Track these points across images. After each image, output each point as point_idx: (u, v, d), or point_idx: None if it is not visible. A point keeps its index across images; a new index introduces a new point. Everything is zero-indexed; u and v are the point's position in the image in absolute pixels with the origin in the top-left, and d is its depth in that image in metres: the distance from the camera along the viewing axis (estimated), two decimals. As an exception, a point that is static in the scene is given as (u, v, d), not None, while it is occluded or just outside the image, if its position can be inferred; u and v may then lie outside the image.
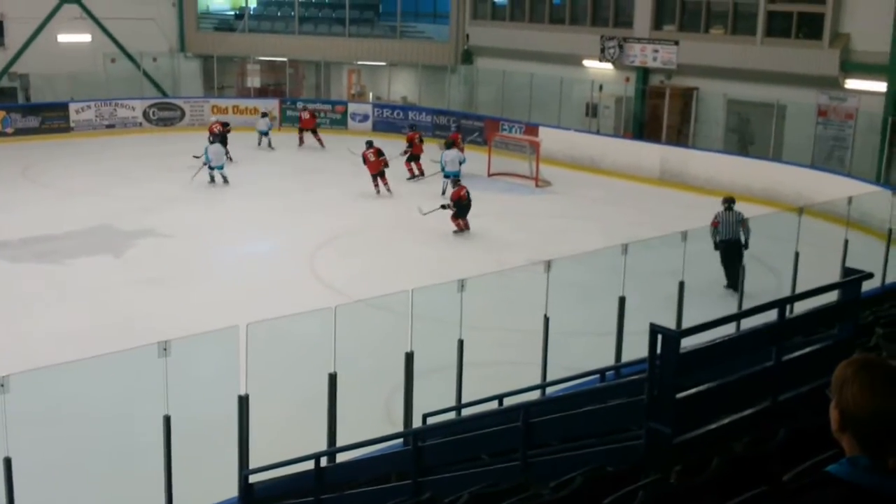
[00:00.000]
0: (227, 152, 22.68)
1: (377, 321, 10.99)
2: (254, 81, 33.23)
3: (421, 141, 23.50)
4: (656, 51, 24.70)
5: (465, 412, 8.28)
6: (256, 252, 17.12)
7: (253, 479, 7.07)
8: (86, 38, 30.15)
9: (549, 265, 9.51)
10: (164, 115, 29.33)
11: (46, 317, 12.94)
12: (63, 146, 26.35)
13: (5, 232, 16.97)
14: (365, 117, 29.81)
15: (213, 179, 21.68)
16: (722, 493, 3.90)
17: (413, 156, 23.04)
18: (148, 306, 13.49)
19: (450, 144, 20.94)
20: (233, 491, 7.30)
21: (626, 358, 9.90)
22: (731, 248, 14.22)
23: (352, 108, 30.25)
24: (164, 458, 7.09)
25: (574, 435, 6.18)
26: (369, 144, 21.59)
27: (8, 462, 6.50)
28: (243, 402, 7.42)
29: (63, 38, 29.71)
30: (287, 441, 8.73)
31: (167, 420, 7.06)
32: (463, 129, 26.48)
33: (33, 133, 26.96)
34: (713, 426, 5.15)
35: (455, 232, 17.87)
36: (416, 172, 22.88)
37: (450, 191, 19.46)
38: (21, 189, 21.01)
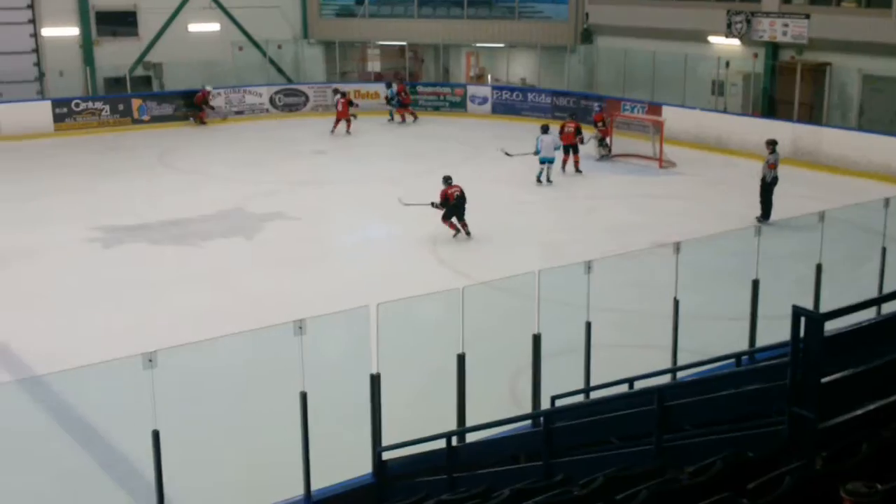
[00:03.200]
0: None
1: (502, 303, 11.03)
2: (374, 66, 33.72)
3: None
4: (786, 25, 23.82)
5: (594, 395, 8.25)
6: (380, 234, 17.45)
7: (386, 456, 7.23)
8: (215, 27, 31.18)
9: (678, 247, 9.33)
10: (290, 101, 30.05)
11: (184, 296, 13.50)
12: (195, 132, 27.36)
13: (146, 215, 17.77)
14: (484, 100, 29.82)
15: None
16: (871, 479, 3.78)
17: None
18: (279, 286, 13.93)
19: (545, 129, 20.54)
20: (367, 467, 7.49)
21: (758, 343, 9.64)
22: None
23: (471, 90, 30.30)
24: (301, 433, 7.31)
25: (709, 420, 6.08)
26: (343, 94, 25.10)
27: (156, 435, 6.82)
28: (375, 380, 7.58)
29: (193, 27, 30.81)
30: (417, 420, 8.89)
31: (304, 396, 7.28)
32: (585, 109, 26.18)
33: (168, 120, 28.04)
34: (859, 412, 4.99)
35: (454, 235, 16.46)
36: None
37: (545, 175, 19.47)
38: (158, 174, 21.93)
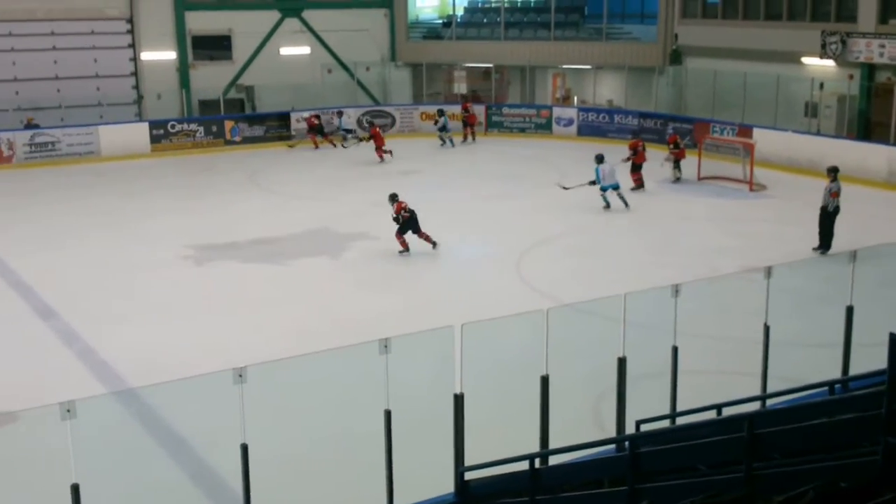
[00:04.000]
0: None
1: (585, 325, 10.94)
2: (461, 88, 33.99)
3: (644, 149, 22.20)
4: (883, 46, 23.16)
5: (680, 420, 8.12)
6: (465, 254, 17.52)
7: (468, 476, 7.23)
8: (305, 50, 31.93)
9: (769, 272, 9.13)
10: (377, 123, 30.47)
11: (272, 314, 13.77)
12: (285, 153, 27.95)
13: (236, 234, 18.21)
14: (570, 121, 29.74)
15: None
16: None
17: (635, 165, 21.98)
18: (362, 305, 14.10)
19: (601, 158, 19.97)
20: (449, 487, 7.50)
21: (852, 371, 9.36)
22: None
23: (556, 112, 30.26)
24: (385, 451, 7.36)
25: (801, 449, 5.94)
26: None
27: (245, 448, 6.95)
28: (458, 400, 7.60)
29: (285, 50, 31.62)
30: (498, 441, 8.88)
31: (388, 414, 7.34)
32: (677, 131, 25.90)
33: (259, 141, 28.76)
34: (960, 445, 4.81)
35: (403, 252, 16.71)
36: (640, 182, 21.93)
37: (617, 200, 19.48)
38: (249, 194, 22.46)
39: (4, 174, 25.07)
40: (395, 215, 16.79)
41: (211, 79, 30.27)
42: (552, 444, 7.91)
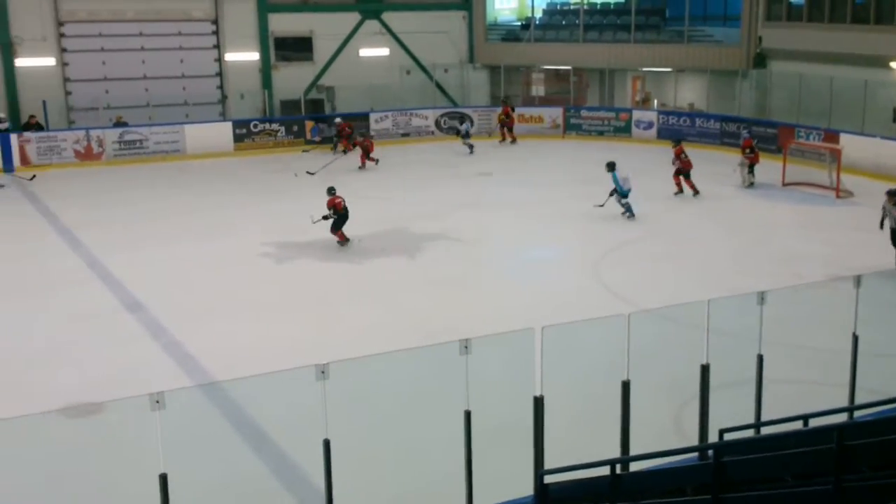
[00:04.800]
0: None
1: (667, 331, 10.82)
2: (538, 90, 33.90)
3: (686, 155, 21.50)
4: (977, 49, 22.40)
5: (765, 430, 7.97)
6: (543, 256, 17.49)
7: (548, 479, 7.20)
8: (384, 51, 32.23)
9: (858, 280, 8.90)
10: (454, 124, 30.58)
11: (350, 311, 13.94)
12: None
13: (314, 233, 18.43)
14: (649, 125, 29.41)
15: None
16: None
17: (682, 171, 21.32)
18: (439, 305, 14.18)
19: (613, 166, 19.40)
20: (527, 489, 7.48)
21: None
22: None
23: (636, 115, 29.96)
24: (465, 451, 7.40)
25: (890, 462, 5.78)
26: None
27: (327, 444, 7.05)
28: (538, 403, 7.58)
29: (364, 52, 31.96)
30: (578, 445, 8.84)
31: (467, 415, 7.37)
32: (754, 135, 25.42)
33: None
34: None
35: (343, 243, 17.46)
36: (694, 189, 21.32)
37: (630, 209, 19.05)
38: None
39: (95, 171, 25.86)
40: (329, 209, 17.37)
41: (292, 79, 30.77)
42: (632, 451, 7.85)
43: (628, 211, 19.26)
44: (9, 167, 25.62)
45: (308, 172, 23.81)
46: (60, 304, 14.34)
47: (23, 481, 8.01)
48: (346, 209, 17.51)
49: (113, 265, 16.33)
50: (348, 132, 27.76)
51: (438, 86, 32.70)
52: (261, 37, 30.70)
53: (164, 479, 6.53)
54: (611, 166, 19.35)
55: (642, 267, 16.33)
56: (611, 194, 19.28)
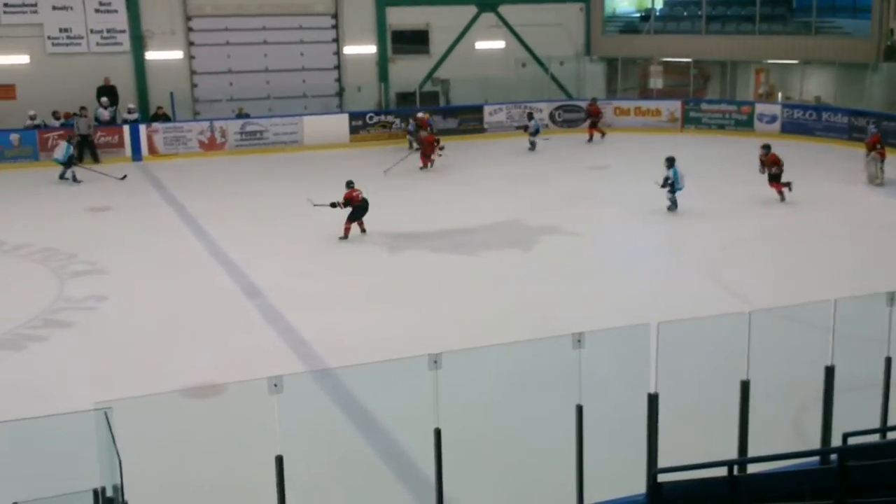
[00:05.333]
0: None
1: (788, 331, 10.45)
2: (656, 83, 33.26)
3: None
4: None
5: (892, 435, 7.61)
6: (655, 252, 17.19)
7: (661, 478, 7.05)
8: (500, 44, 32.19)
9: None
10: (569, 117, 30.33)
11: (463, 302, 13.98)
12: (477, 146, 28.28)
13: (427, 224, 18.59)
14: (773, 118, 28.49)
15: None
16: None
17: (774, 176, 19.98)
18: (552, 298, 14.07)
19: (671, 162, 18.91)
20: (639, 487, 7.34)
21: None
22: None
23: (759, 108, 29.06)
24: (576, 446, 7.32)
25: None
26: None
27: (438, 433, 7.08)
28: (653, 400, 7.44)
29: (480, 45, 31.97)
30: (692, 444, 8.63)
31: (579, 409, 7.28)
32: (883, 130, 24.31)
33: (451, 133, 29.18)
34: None
35: (341, 238, 17.47)
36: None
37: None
38: (440, 185, 22.87)
39: (218, 160, 26.71)
40: (344, 201, 17.50)
41: (408, 72, 31.04)
42: (750, 453, 7.61)
43: (674, 205, 19.05)
44: (137, 157, 26.70)
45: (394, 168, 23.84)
46: (184, 288, 14.85)
47: (146, 459, 8.31)
48: (364, 201, 17.64)
49: (234, 252, 16.81)
50: (427, 125, 26.93)
51: (554, 78, 32.44)
52: (379, 30, 31.08)
53: (279, 460, 6.67)
54: (670, 162, 19.04)
55: (761, 264, 15.84)
56: (663, 185, 19.01)
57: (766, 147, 20.25)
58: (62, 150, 23.84)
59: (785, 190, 19.80)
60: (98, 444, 5.96)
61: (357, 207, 17.60)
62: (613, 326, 8.13)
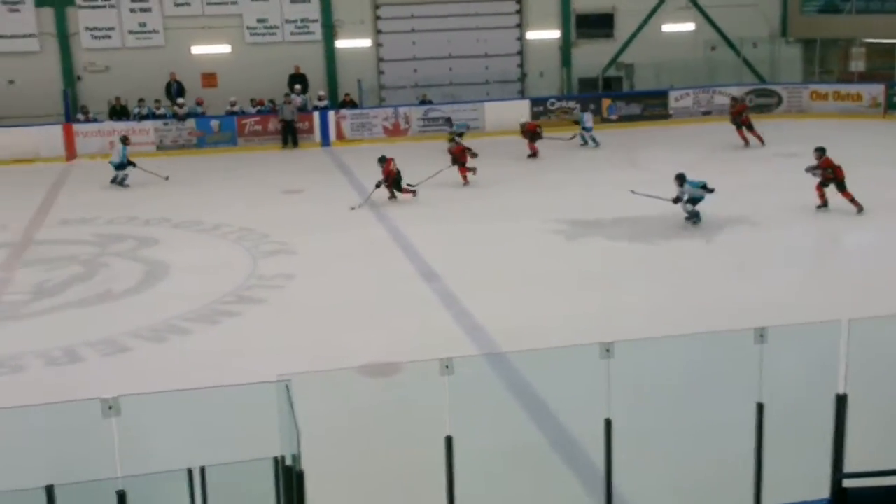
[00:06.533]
0: None
1: None
2: (858, 65, 31.31)
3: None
4: None
5: None
6: (848, 245, 16.27)
7: (847, 483, 6.66)
8: (689, 26, 31.20)
9: None
10: (761, 102, 29.06)
11: (636, 292, 13.69)
12: (661, 132, 27.58)
13: (599, 212, 18.29)
14: None
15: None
16: None
17: (830, 182, 17.61)
18: (732, 291, 13.55)
19: (682, 179, 17.04)
20: (822, 492, 6.97)
21: None
22: None
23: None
24: (755, 446, 7.05)
25: None
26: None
27: (608, 423, 6.98)
28: (841, 401, 7.03)
29: (667, 27, 31.10)
30: (881, 450, 8.10)
31: (760, 408, 6.99)
32: None
33: (635, 120, 28.66)
34: None
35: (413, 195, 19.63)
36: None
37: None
38: (621, 172, 22.44)
39: (401, 146, 27.23)
40: (384, 177, 19.41)
41: (591, 56, 30.65)
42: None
43: (695, 217, 17.17)
44: (326, 142, 27.74)
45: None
46: (365, 270, 15.31)
47: (323, 431, 8.63)
48: (398, 171, 19.58)
49: (413, 236, 17.17)
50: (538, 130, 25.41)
51: (746, 61, 31.14)
52: (563, 15, 30.82)
53: (449, 441, 6.77)
54: (681, 179, 17.07)
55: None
56: (675, 202, 17.23)
57: (822, 151, 17.80)
58: (118, 152, 22.35)
59: (845, 197, 17.39)
60: (279, 414, 6.22)
61: (396, 179, 19.48)
62: (798, 322, 7.75)
